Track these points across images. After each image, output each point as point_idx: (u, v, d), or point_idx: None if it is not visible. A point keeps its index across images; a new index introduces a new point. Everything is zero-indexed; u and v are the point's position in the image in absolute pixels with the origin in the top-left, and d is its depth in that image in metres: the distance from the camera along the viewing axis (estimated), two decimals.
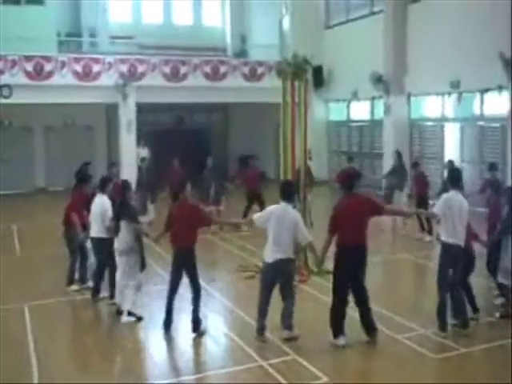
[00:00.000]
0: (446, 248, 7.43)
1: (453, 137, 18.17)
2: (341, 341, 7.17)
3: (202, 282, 9.61)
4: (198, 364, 7.11)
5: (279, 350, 7.08)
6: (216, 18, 29.05)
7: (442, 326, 7.47)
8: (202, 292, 7.94)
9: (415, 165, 13.88)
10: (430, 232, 12.67)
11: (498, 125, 16.32)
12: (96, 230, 8.85)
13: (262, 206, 13.44)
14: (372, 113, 21.56)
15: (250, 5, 27.54)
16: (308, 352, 7.00)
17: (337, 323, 7.19)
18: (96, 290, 9.06)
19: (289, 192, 7.51)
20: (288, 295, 7.34)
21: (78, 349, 7.71)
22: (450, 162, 13.63)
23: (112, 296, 8.78)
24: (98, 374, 6.73)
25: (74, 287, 9.58)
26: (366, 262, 7.23)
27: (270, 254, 7.26)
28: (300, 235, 7.26)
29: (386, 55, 19.51)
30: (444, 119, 18.48)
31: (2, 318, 8.39)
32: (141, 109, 21.43)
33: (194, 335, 7.60)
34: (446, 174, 13.38)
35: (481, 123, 16.94)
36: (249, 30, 27.84)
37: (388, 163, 18.91)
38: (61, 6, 24.29)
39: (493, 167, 11.63)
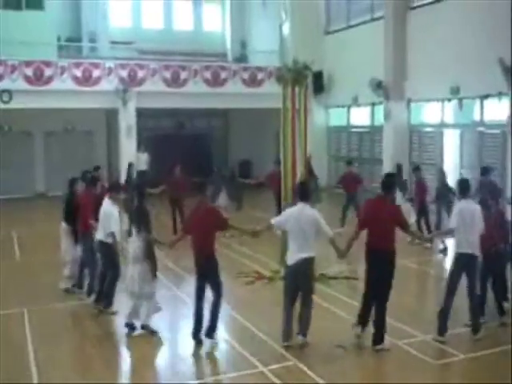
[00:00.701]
0: (458, 257, 7.53)
1: (452, 143, 18.19)
2: (357, 329, 7.36)
3: None
4: (199, 370, 7.09)
5: (280, 356, 7.08)
6: (216, 23, 29.15)
7: (441, 330, 7.49)
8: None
9: (416, 169, 13.90)
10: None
11: (498, 131, 16.31)
12: (100, 233, 8.71)
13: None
14: (372, 118, 21.57)
15: (250, 10, 27.62)
16: (308, 358, 7.00)
17: (360, 313, 7.40)
18: (99, 296, 8.91)
19: (305, 192, 7.57)
20: (306, 301, 7.37)
21: (78, 354, 7.69)
22: (442, 172, 13.74)
23: (107, 305, 8.65)
24: (97, 378, 6.72)
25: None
26: (388, 267, 7.21)
27: (292, 256, 7.31)
28: (322, 231, 7.36)
29: (386, 61, 19.53)
30: (444, 125, 18.49)
31: (2, 323, 8.37)
32: (141, 114, 21.45)
33: (208, 342, 7.45)
34: (438, 180, 13.56)
35: (481, 129, 16.95)
36: (249, 36, 27.91)
37: (388, 168, 18.97)
38: (61, 10, 24.36)
39: (485, 171, 11.83)
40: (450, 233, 7.75)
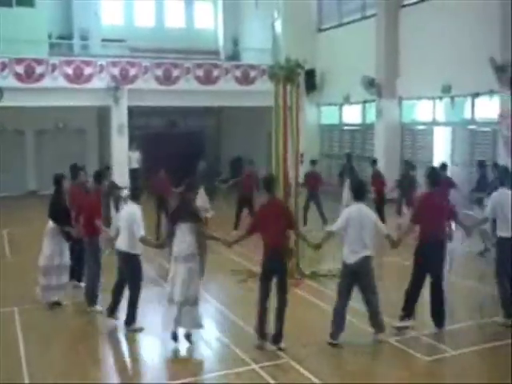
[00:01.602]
0: (503, 242, 7.88)
1: (444, 140, 18.26)
2: (407, 322, 7.68)
3: None
4: (191, 368, 7.06)
5: (272, 354, 7.07)
6: (208, 20, 29.10)
7: (510, 313, 7.79)
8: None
9: (373, 162, 14.25)
10: None
11: (489, 129, 16.40)
12: (123, 243, 7.88)
13: (252, 211, 13.43)
14: (364, 116, 21.62)
15: (242, 8, 27.58)
16: (301, 355, 7.00)
17: (407, 305, 7.69)
18: (113, 308, 8.21)
19: (362, 192, 7.59)
20: (373, 299, 7.36)
21: (70, 354, 7.61)
22: (409, 164, 14.31)
23: (132, 321, 7.92)
24: (90, 378, 6.70)
25: (98, 307, 8.67)
26: (441, 258, 7.66)
27: (351, 255, 7.27)
28: (379, 229, 7.50)
29: (378, 59, 19.58)
30: (435, 123, 18.56)
31: None
32: (133, 112, 21.38)
33: (275, 347, 7.19)
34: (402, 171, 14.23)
35: (472, 127, 17.03)
36: (241, 33, 27.89)
37: (381, 166, 19.01)
38: (52, 8, 24.25)
39: (443, 167, 12.68)
40: (486, 222, 8.25)
